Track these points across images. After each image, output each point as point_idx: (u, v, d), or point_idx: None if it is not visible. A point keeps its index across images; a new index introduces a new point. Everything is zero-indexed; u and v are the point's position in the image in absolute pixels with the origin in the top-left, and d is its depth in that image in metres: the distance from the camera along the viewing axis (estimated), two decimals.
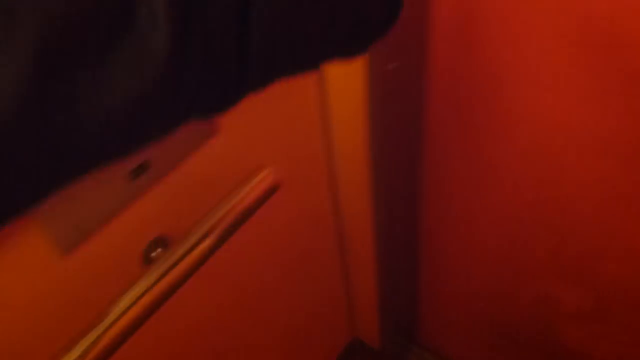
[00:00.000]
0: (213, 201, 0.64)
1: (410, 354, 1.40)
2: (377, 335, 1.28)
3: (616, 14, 0.56)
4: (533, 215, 0.86)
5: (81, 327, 0.53)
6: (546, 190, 0.80)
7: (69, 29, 0.24)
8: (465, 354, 1.32)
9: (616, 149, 0.68)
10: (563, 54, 0.63)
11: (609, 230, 0.78)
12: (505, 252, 0.97)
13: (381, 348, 1.31)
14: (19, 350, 0.53)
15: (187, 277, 0.59)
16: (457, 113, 0.81)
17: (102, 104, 0.25)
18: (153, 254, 0.61)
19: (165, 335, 0.74)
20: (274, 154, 0.78)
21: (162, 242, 0.62)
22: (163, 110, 0.27)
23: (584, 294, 0.91)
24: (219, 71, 0.28)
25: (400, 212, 0.99)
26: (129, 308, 0.54)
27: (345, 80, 0.74)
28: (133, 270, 0.61)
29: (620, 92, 0.62)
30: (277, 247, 0.91)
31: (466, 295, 1.16)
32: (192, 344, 0.81)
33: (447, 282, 1.17)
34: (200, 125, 0.61)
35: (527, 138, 0.76)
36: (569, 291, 0.93)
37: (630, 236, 0.76)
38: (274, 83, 0.32)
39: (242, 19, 0.28)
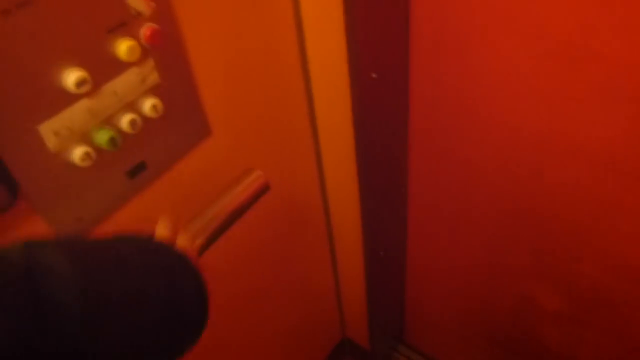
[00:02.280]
0: (206, 200, 0.67)
1: (398, 354, 1.43)
2: (366, 335, 1.31)
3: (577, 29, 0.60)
4: (514, 218, 0.89)
5: None
6: (525, 193, 0.84)
7: None
8: (449, 353, 1.36)
9: (587, 155, 0.72)
10: (530, 65, 0.67)
11: (585, 234, 0.82)
12: (488, 255, 1.01)
13: (370, 347, 1.34)
14: None
15: None
16: (438, 119, 0.85)
17: None
18: None
19: None
20: (264, 155, 0.81)
21: None
22: None
23: (563, 296, 0.94)
24: None
25: (387, 214, 1.02)
26: None
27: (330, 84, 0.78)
28: None
29: (588, 101, 0.66)
30: (268, 247, 0.94)
31: (450, 297, 1.19)
32: None
33: (432, 283, 1.20)
34: (194, 127, 0.65)
35: (505, 143, 0.80)
36: (548, 293, 0.97)
37: (605, 239, 0.80)
38: None
39: None
